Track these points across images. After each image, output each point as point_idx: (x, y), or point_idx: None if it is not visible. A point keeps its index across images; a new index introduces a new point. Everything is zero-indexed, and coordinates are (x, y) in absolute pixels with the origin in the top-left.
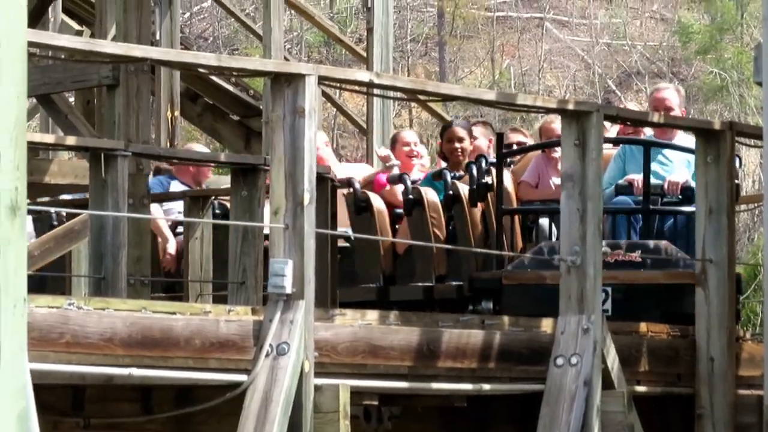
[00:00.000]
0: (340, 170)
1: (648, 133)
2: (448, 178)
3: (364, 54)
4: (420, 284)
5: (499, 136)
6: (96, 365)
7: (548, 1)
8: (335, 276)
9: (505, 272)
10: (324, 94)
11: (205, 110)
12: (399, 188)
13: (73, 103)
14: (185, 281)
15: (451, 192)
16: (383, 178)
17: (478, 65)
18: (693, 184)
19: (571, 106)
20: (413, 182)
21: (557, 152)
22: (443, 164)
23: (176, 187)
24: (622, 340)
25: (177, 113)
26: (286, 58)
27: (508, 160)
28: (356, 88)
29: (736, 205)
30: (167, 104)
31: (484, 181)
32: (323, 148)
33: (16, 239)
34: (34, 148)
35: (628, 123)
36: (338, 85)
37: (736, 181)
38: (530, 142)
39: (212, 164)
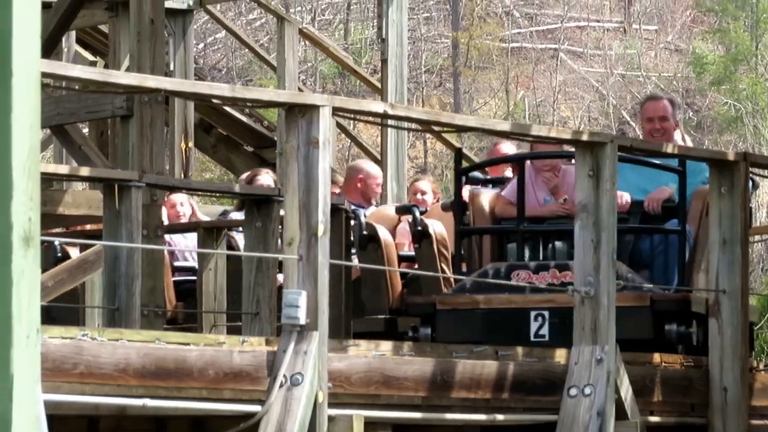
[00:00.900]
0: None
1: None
2: (417, 214)
3: (379, 85)
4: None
5: (458, 153)
6: (110, 396)
7: (563, 33)
8: (349, 307)
9: (439, 297)
10: (338, 125)
11: (219, 141)
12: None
13: (86, 134)
14: (199, 312)
15: (419, 228)
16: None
17: (492, 96)
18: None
19: (585, 137)
20: (422, 213)
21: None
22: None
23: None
24: (635, 371)
25: (191, 144)
26: (300, 89)
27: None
28: (370, 119)
29: (750, 235)
30: (181, 135)
31: (419, 228)
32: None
33: (30, 270)
34: (47, 179)
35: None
36: (352, 116)
37: (751, 206)
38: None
39: (228, 194)
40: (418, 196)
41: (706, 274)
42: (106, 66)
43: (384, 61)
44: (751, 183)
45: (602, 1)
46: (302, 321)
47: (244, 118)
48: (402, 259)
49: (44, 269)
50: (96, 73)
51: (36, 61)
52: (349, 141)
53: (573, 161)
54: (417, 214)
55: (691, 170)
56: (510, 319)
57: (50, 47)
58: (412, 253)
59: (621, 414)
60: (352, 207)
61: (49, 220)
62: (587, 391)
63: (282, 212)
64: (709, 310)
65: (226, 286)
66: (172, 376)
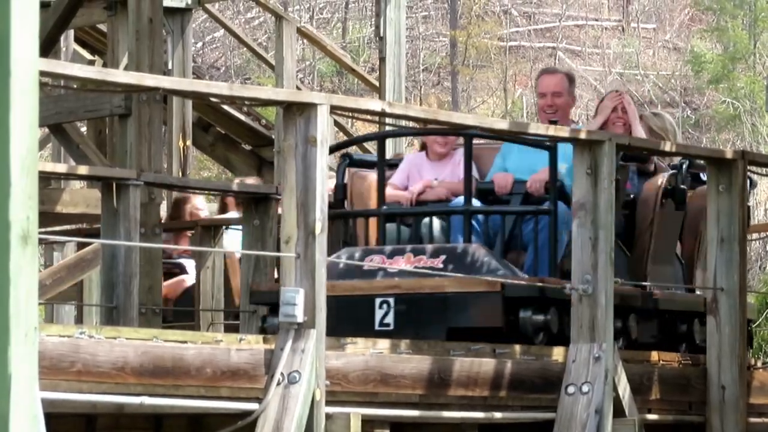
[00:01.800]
0: None
1: None
2: None
3: (377, 83)
4: None
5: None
6: (107, 394)
7: (561, 31)
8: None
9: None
10: (336, 123)
11: (217, 140)
12: None
13: (85, 133)
14: (196, 310)
15: None
16: None
17: (490, 95)
18: (567, 181)
19: (583, 135)
20: None
21: (440, 146)
22: None
23: None
24: (633, 369)
25: (189, 143)
26: (298, 88)
27: None
28: (368, 117)
29: (748, 233)
30: (179, 134)
31: None
32: None
33: (28, 268)
34: (46, 178)
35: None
36: (350, 114)
37: (748, 204)
38: None
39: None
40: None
41: (704, 272)
42: (104, 65)
43: (382, 60)
44: (749, 181)
45: None
46: (300, 319)
47: (242, 117)
48: None
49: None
50: (94, 72)
51: (34, 60)
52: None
53: (484, 142)
54: None
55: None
56: (354, 306)
57: (49, 46)
58: None
59: (619, 412)
60: None
61: (47, 218)
62: (585, 388)
63: (280, 210)
64: (707, 308)
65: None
66: (169, 374)
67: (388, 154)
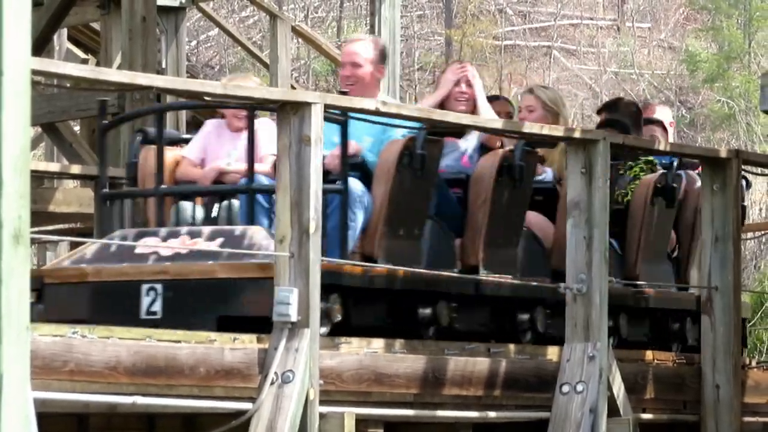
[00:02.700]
0: None
1: None
2: None
3: None
4: None
5: (101, 106)
6: (100, 394)
7: (556, 30)
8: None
9: (47, 269)
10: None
11: None
12: None
13: (78, 132)
14: None
15: None
16: None
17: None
18: (369, 158)
19: (577, 135)
20: None
21: (237, 119)
22: None
23: None
24: (627, 368)
25: None
26: (292, 87)
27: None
28: (363, 116)
29: (743, 232)
30: None
31: None
32: None
33: (20, 268)
34: (38, 177)
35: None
36: (345, 113)
37: (743, 203)
38: None
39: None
40: None
41: (699, 271)
42: (97, 64)
43: None
44: (744, 181)
45: None
46: (294, 318)
47: None
48: None
49: None
50: (87, 71)
51: (27, 58)
52: None
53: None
54: None
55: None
56: (120, 293)
57: (42, 45)
58: None
59: (613, 411)
60: None
61: (39, 217)
62: (579, 388)
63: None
64: (702, 307)
65: None
66: (162, 373)
67: None
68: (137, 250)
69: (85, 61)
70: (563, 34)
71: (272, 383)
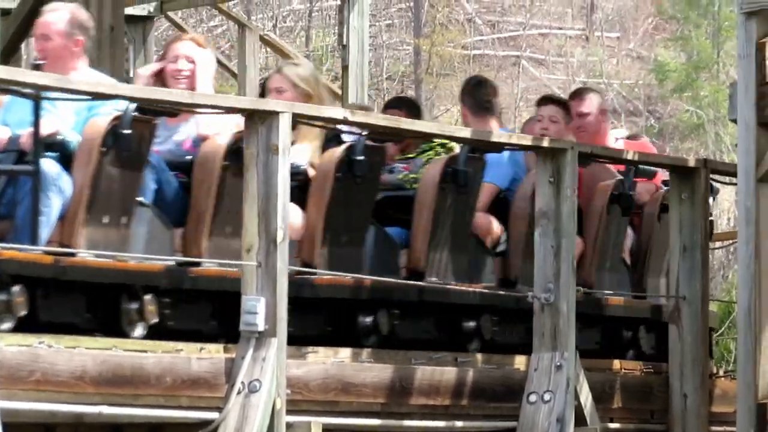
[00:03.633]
0: None
1: None
2: None
3: (340, 92)
4: None
5: None
6: (66, 403)
7: (525, 39)
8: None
9: None
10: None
11: None
12: None
13: None
14: None
15: None
16: None
17: (454, 103)
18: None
19: (546, 144)
20: None
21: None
22: None
23: None
24: (595, 377)
25: None
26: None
27: None
28: (331, 125)
29: (711, 242)
30: None
31: None
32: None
33: None
34: None
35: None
36: (313, 122)
37: (712, 212)
38: None
39: None
40: None
41: (667, 280)
42: None
43: (345, 68)
44: (711, 189)
45: (564, 8)
46: (260, 328)
47: None
48: None
49: None
50: (54, 80)
51: None
52: None
53: None
54: None
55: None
56: None
57: (10, 54)
58: None
59: (580, 420)
60: None
61: None
62: (546, 397)
63: None
64: (669, 317)
65: None
66: (128, 383)
67: None
68: None
69: None
70: (532, 43)
71: (239, 393)
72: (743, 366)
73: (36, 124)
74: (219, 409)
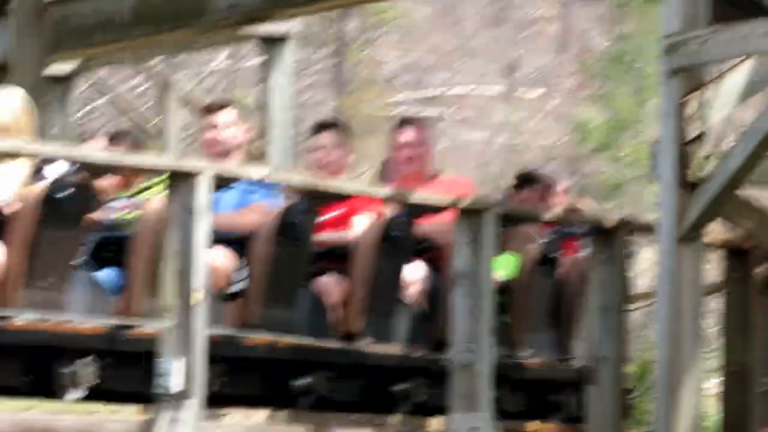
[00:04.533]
0: None
1: None
2: None
3: (263, 150)
4: None
5: None
6: None
7: (446, 99)
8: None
9: None
10: None
11: None
12: None
13: None
14: None
15: None
16: None
17: (377, 162)
18: None
19: (464, 204)
20: None
21: None
22: None
23: None
24: None
25: None
26: (182, 155)
27: None
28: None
29: (630, 302)
30: None
31: None
32: None
33: None
34: None
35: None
36: (234, 181)
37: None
38: None
39: None
40: None
41: (586, 341)
42: None
43: (267, 127)
44: (630, 250)
45: (486, 66)
46: (176, 389)
47: None
48: None
49: None
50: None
51: None
52: None
53: None
54: None
55: None
56: None
57: None
58: None
59: None
60: None
61: None
62: None
63: None
64: (587, 378)
65: None
66: None
67: None
68: None
69: None
70: (454, 102)
71: None
72: (661, 424)
73: None
74: None
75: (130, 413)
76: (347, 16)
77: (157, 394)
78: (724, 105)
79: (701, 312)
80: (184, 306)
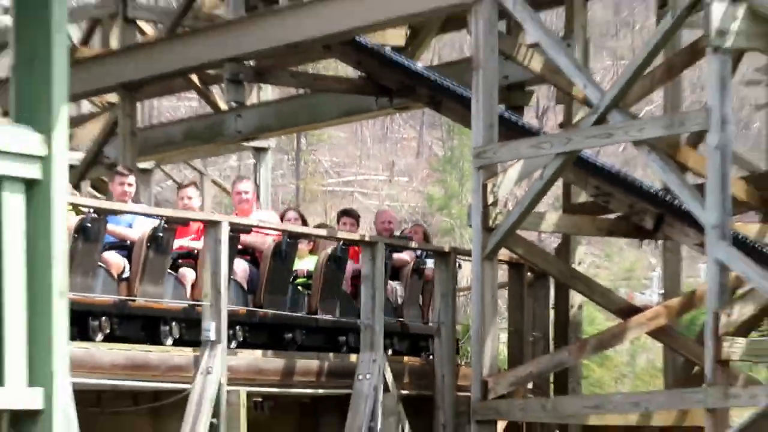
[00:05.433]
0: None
1: None
2: None
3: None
4: None
5: None
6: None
7: (357, 181)
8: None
9: None
10: None
11: None
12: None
13: None
14: None
15: None
16: None
17: (321, 220)
18: None
19: (367, 238)
20: None
21: None
22: None
23: None
24: (395, 366)
25: None
26: (213, 212)
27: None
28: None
29: (458, 292)
30: None
31: None
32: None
33: None
34: None
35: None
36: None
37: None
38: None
39: None
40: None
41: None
42: None
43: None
44: (457, 264)
45: (377, 164)
46: (213, 338)
47: None
48: None
49: None
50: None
51: None
52: None
53: None
54: None
55: None
56: None
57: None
58: None
59: (386, 389)
60: None
61: None
62: (368, 377)
63: None
64: (435, 333)
65: None
66: (143, 369)
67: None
68: None
69: None
70: (362, 183)
71: (201, 374)
72: (475, 358)
73: None
74: (190, 383)
75: (189, 351)
76: (301, 135)
77: (203, 341)
78: (507, 186)
79: (496, 298)
80: (215, 293)
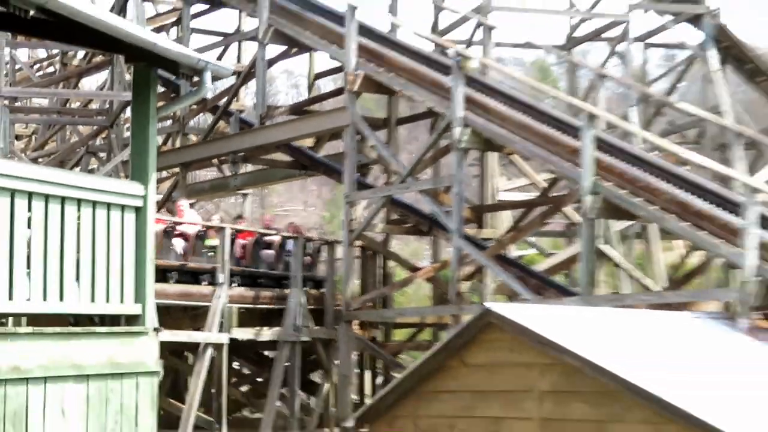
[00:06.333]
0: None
1: None
2: None
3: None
4: None
5: None
6: None
7: (290, 213)
8: None
9: None
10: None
11: None
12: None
13: None
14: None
15: None
16: None
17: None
18: None
19: (298, 235)
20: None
21: None
22: None
23: None
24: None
25: None
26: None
27: None
28: None
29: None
30: None
31: None
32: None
33: None
34: None
35: None
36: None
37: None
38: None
39: None
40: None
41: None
42: None
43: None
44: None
45: (299, 200)
46: (221, 281)
47: None
48: None
49: None
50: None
51: None
52: None
53: None
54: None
55: None
56: None
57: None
58: None
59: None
60: None
61: None
62: (293, 299)
63: None
64: (327, 280)
65: None
66: (188, 296)
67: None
68: None
69: None
70: (290, 210)
71: (215, 298)
72: (344, 291)
73: None
74: (210, 302)
75: (210, 288)
76: (265, 188)
77: (214, 283)
78: (359, 211)
79: (352, 263)
80: (224, 262)
